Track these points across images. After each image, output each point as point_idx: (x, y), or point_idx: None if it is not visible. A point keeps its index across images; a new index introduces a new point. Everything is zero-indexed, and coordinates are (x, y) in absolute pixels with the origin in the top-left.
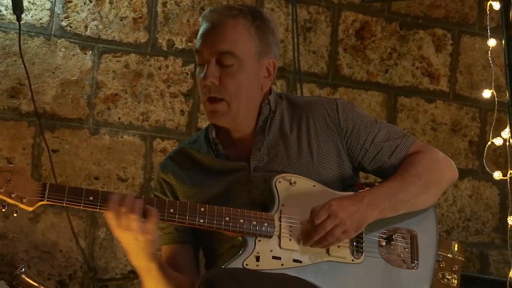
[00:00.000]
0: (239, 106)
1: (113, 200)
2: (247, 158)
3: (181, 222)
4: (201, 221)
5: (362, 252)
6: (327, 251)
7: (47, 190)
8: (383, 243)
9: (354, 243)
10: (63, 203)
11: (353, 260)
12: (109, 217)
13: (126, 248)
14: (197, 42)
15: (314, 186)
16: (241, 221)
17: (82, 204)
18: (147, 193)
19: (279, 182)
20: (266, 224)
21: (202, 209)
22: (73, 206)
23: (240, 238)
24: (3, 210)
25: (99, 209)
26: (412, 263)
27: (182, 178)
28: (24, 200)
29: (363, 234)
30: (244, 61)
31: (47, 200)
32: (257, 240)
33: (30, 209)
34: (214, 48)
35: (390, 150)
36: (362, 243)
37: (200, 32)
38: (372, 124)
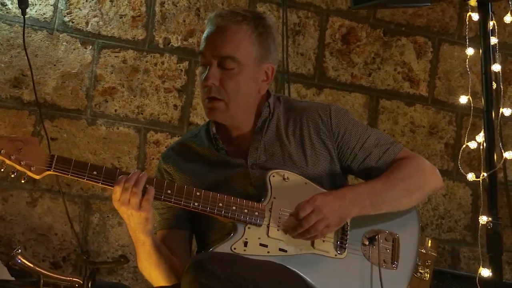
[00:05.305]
0: (236, 107)
1: (121, 177)
2: (245, 155)
3: (177, 203)
4: (196, 204)
5: (345, 249)
6: (312, 244)
7: (54, 161)
8: (366, 242)
9: (339, 240)
10: (68, 174)
11: (336, 255)
12: (114, 190)
13: (125, 221)
14: (201, 44)
15: (306, 183)
16: (234, 208)
17: (86, 177)
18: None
19: (273, 176)
20: (256, 214)
21: (198, 193)
22: (77, 178)
23: (231, 224)
24: (12, 176)
25: (101, 183)
26: (392, 263)
27: (183, 169)
28: (32, 168)
29: (348, 232)
30: (244, 66)
31: (53, 170)
32: (246, 227)
33: (38, 177)
34: (216, 51)
35: (378, 155)
36: (346, 240)
37: (205, 35)
38: (363, 130)
